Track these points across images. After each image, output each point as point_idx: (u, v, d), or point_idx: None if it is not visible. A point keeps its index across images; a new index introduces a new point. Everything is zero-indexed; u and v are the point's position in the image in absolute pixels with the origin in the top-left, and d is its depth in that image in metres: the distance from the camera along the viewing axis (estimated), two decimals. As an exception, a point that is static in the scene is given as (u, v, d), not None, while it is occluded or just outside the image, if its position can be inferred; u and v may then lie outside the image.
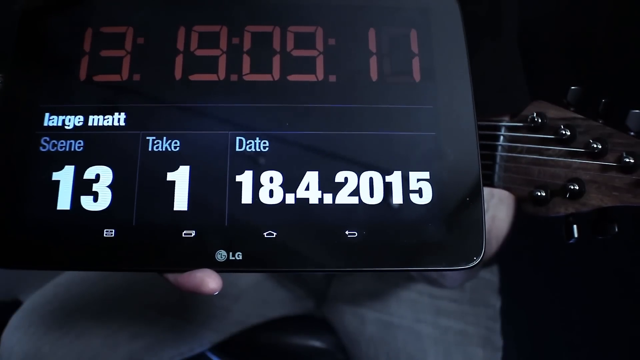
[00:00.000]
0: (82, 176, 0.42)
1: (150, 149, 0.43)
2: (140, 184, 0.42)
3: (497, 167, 0.51)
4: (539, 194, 0.47)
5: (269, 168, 0.42)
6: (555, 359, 1.23)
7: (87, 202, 0.42)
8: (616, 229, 0.45)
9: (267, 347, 1.01)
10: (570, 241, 0.48)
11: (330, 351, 1.01)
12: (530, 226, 1.08)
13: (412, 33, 0.45)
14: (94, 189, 0.42)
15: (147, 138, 0.43)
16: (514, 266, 1.04)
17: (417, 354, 0.90)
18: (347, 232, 0.41)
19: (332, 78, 0.44)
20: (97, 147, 0.43)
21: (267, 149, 0.43)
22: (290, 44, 0.45)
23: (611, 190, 0.44)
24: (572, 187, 0.45)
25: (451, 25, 0.45)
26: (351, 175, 0.42)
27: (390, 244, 0.41)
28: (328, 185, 0.42)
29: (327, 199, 0.41)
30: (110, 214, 0.41)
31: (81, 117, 0.44)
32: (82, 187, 0.42)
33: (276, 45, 0.45)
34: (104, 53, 0.45)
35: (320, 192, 0.41)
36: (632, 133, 0.43)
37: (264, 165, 0.42)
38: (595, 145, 0.45)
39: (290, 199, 0.41)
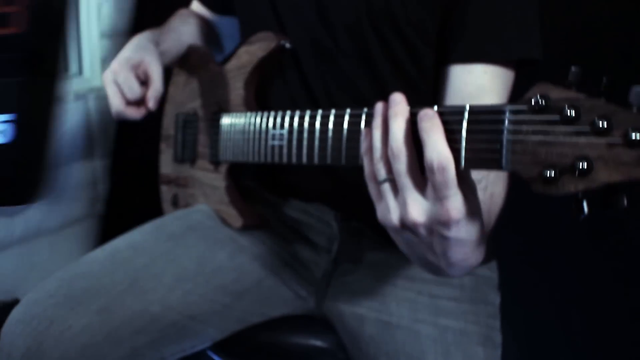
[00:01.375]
0: None
1: None
2: None
3: (504, 150, 0.51)
4: (548, 173, 0.48)
5: None
6: (554, 354, 1.24)
7: None
8: (625, 203, 0.46)
9: (267, 346, 1.02)
10: (581, 217, 0.49)
11: (331, 350, 1.00)
12: (528, 223, 1.10)
13: None
14: None
15: None
16: (512, 263, 1.05)
17: (416, 354, 0.90)
18: None
19: None
20: None
21: None
22: None
23: (619, 165, 0.45)
24: (580, 165, 0.46)
25: None
26: None
27: None
28: None
29: None
30: None
31: None
32: None
33: None
34: None
35: None
36: (635, 109, 0.45)
37: None
38: (600, 124, 0.46)
39: None
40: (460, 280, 0.96)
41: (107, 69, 0.96)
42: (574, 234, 1.19)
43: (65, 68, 1.60)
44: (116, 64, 0.95)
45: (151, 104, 0.95)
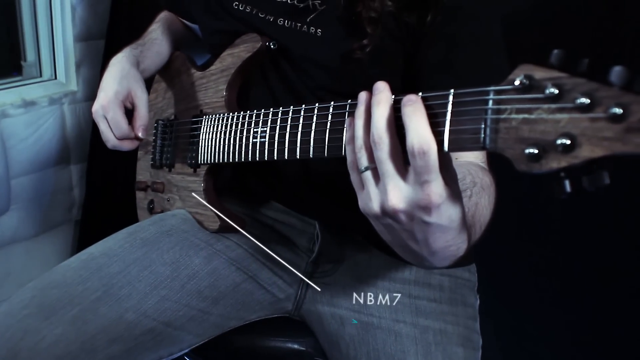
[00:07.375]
0: None
1: None
2: None
3: (487, 130, 0.52)
4: (531, 151, 0.49)
5: None
6: (536, 355, 1.25)
7: None
8: (608, 181, 0.47)
9: (245, 350, 1.01)
10: (563, 197, 0.49)
11: (309, 353, 1.00)
12: (509, 225, 1.11)
13: None
14: None
15: None
16: (493, 265, 1.06)
17: (397, 354, 0.90)
18: None
19: None
20: None
21: None
22: None
23: (601, 140, 0.45)
24: (563, 142, 0.47)
25: None
26: None
27: None
28: None
29: None
30: None
31: None
32: None
33: None
34: None
35: None
36: (616, 87, 0.45)
37: None
38: (583, 100, 0.46)
39: None
40: (439, 281, 0.96)
41: (96, 101, 1.00)
42: (555, 234, 1.20)
43: (39, 72, 1.58)
44: (105, 99, 0.99)
45: (140, 134, 1.01)
